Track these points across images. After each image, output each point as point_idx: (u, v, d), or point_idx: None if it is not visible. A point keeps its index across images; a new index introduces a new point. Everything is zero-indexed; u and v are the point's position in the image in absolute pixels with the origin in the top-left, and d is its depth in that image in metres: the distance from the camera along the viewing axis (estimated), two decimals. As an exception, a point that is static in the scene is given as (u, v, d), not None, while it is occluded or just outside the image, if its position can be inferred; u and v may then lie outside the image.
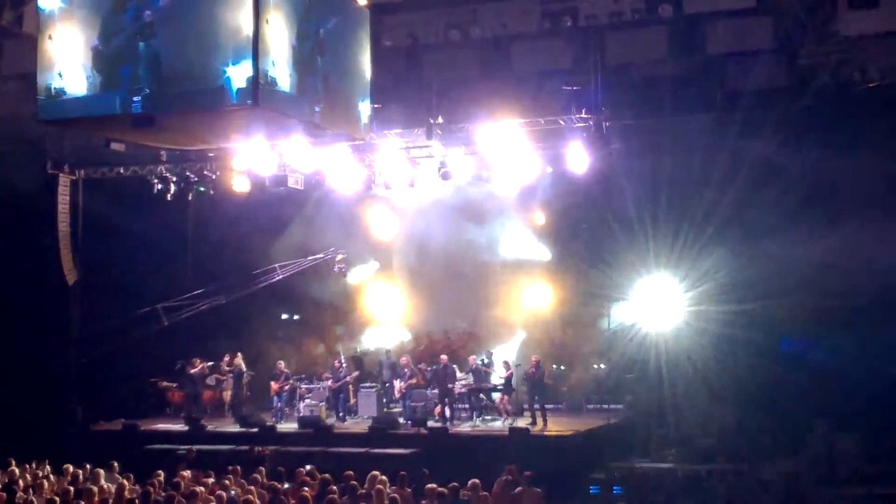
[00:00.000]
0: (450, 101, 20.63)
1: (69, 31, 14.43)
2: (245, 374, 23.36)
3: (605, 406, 22.69)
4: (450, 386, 21.41)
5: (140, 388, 23.64)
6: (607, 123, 19.85)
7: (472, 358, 22.49)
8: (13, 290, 22.50)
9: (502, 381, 21.70)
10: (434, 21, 19.87)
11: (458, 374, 22.00)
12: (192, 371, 22.97)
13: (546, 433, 20.27)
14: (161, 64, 13.77)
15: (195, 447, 19.01)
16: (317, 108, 15.12)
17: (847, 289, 20.14)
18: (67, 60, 14.39)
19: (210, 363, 23.50)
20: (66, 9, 14.49)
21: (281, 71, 14.20)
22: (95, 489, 14.93)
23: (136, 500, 14.00)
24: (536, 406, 21.16)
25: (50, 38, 14.58)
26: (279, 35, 14.08)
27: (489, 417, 21.86)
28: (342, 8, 15.61)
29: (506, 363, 21.90)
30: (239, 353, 23.55)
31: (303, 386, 23.07)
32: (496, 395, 21.92)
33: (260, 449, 18.91)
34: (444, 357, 22.18)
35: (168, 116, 14.62)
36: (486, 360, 22.50)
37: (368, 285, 25.86)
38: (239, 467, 16.83)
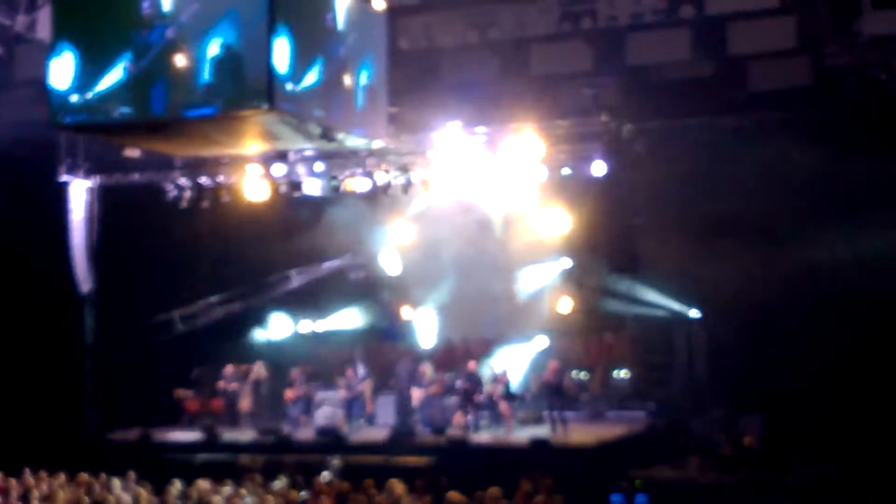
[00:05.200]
0: (468, 103, 20.40)
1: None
2: (263, 383, 23.18)
3: (628, 412, 22.41)
4: (472, 394, 21.17)
5: (156, 397, 23.44)
6: (628, 126, 19.61)
7: (471, 363, 22.18)
8: (27, 299, 22.35)
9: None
10: (452, 22, 19.68)
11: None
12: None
13: (567, 442, 19.98)
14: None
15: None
16: (333, 112, 14.98)
17: (873, 296, 19.81)
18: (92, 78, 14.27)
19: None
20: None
21: (297, 74, 14.06)
22: (111, 498, 14.78)
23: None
24: (555, 413, 20.92)
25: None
26: (294, 42, 13.95)
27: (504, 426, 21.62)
28: (359, 13, 15.44)
29: (502, 372, 21.73)
30: (258, 362, 23.38)
31: (319, 393, 22.84)
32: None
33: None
34: (472, 364, 21.92)
35: (183, 123, 14.50)
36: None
37: (385, 291, 25.65)
38: (258, 476, 16.71)
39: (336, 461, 18.63)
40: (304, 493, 15.56)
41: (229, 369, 23.22)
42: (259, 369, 23.11)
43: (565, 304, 23.70)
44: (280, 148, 19.07)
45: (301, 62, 14.12)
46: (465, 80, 20.19)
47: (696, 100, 19.47)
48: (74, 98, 14.43)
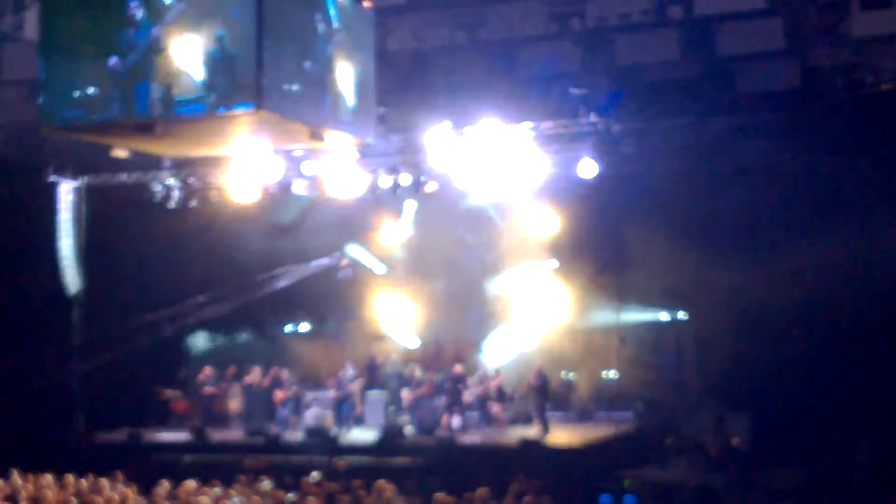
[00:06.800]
0: (456, 104, 20.40)
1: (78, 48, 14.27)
2: (255, 384, 23.13)
3: (616, 413, 22.41)
4: (460, 395, 21.19)
5: (143, 398, 23.38)
6: (616, 127, 19.63)
7: (457, 366, 22.20)
8: (14, 299, 22.24)
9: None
10: (440, 23, 19.69)
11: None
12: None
13: (556, 443, 19.98)
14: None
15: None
16: (321, 113, 14.95)
17: (859, 296, 19.87)
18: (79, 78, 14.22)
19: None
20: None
21: (285, 74, 14.05)
22: (100, 499, 14.73)
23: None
24: (540, 413, 20.96)
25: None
26: (282, 41, 13.93)
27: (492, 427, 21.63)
28: (346, 13, 15.42)
29: (495, 371, 21.70)
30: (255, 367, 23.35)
31: (308, 394, 22.79)
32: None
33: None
34: (458, 367, 21.91)
35: (171, 123, 14.46)
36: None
37: (374, 291, 25.60)
38: (244, 476, 16.64)
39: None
40: (291, 495, 15.53)
41: (207, 371, 23.16)
42: (254, 373, 23.02)
43: (553, 304, 23.71)
44: (268, 148, 19.02)
45: (290, 61, 14.11)
46: (453, 81, 20.18)
47: (685, 100, 19.50)
48: (63, 99, 14.38)
